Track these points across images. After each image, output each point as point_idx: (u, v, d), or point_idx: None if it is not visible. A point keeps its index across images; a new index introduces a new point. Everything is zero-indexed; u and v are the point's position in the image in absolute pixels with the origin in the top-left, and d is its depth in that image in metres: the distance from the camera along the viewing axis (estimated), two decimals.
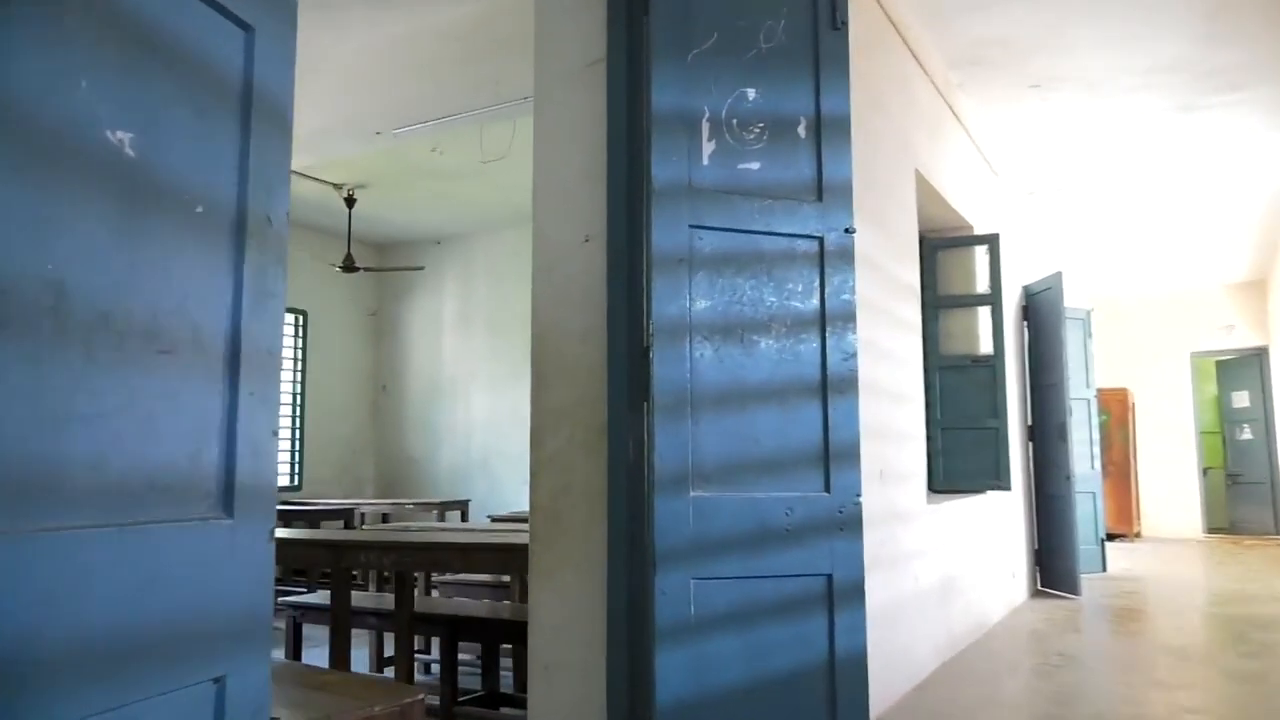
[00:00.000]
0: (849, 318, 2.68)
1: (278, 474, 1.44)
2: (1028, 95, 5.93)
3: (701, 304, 2.55)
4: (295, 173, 7.74)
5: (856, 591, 2.58)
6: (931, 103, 5.27)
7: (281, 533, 3.90)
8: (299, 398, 9.80)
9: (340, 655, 3.43)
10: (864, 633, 2.58)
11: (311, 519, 7.66)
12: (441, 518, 8.60)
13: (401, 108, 5.27)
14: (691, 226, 2.55)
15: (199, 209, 1.29)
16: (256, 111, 1.38)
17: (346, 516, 7.75)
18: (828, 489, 2.60)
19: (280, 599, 4.91)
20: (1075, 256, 9.83)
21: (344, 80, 5.48)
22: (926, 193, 5.16)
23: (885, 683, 3.58)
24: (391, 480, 10.48)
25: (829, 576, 2.57)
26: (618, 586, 2.54)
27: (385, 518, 9.11)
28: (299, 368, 9.85)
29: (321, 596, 4.38)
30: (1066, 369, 6.97)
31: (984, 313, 5.93)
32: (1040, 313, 7.32)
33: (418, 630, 3.98)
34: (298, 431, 9.76)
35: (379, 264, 10.37)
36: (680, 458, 2.47)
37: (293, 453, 9.73)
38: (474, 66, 4.78)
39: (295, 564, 3.59)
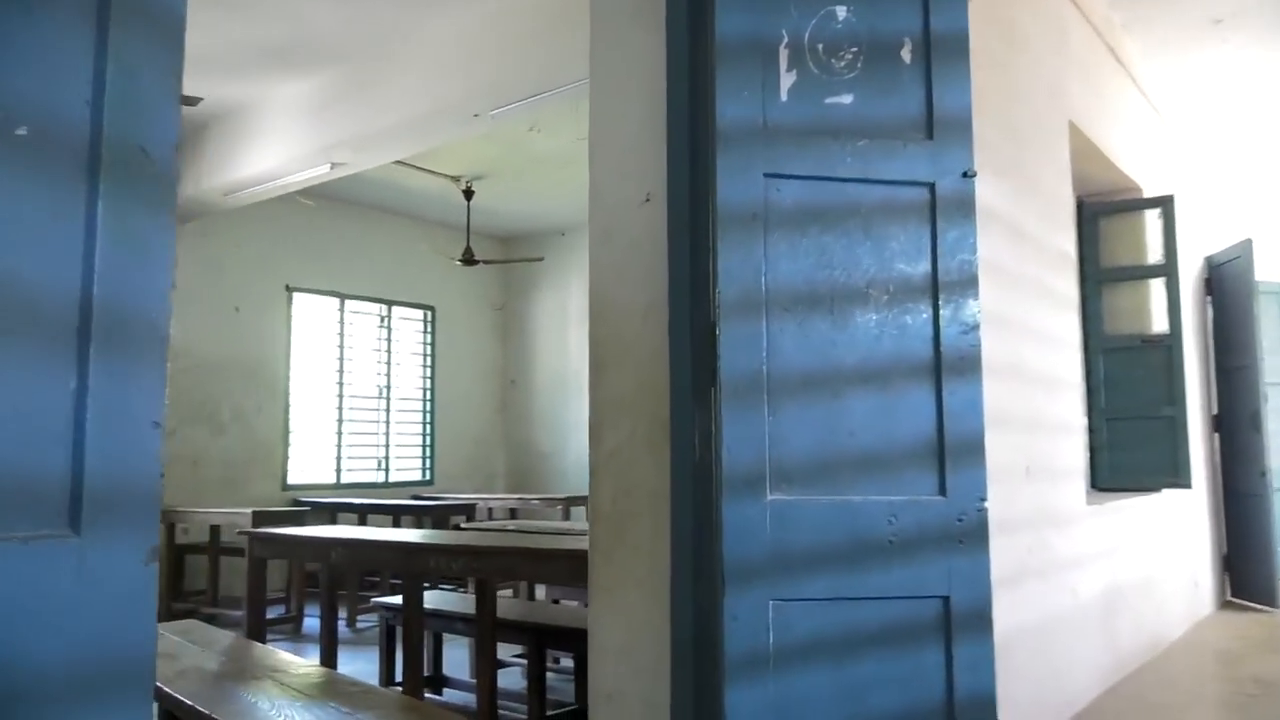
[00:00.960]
0: (968, 283, 2.18)
1: (160, 476, 1.13)
2: (1207, 34, 5.11)
3: (780, 269, 2.11)
4: (411, 166, 7.69)
5: (980, 618, 2.09)
6: (1088, 45, 4.58)
7: (351, 532, 3.70)
8: (429, 393, 9.84)
9: (413, 661, 3.18)
10: (991, 669, 2.08)
11: (438, 515, 7.60)
12: (566, 514, 8.39)
13: (496, 87, 5.02)
14: (767, 176, 2.12)
15: (20, 130, 0.99)
16: (120, 6, 1.07)
17: (469, 511, 7.64)
18: (943, 491, 2.11)
19: (374, 599, 4.76)
20: (1268, 222, 8.63)
21: (438, 63, 5.29)
22: (1083, 149, 4.48)
23: (1033, 714, 3.02)
24: (522, 475, 10.40)
25: (945, 599, 2.08)
26: (683, 608, 2.15)
27: (513, 513, 9.01)
28: (428, 364, 9.89)
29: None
30: (1260, 350, 6.03)
31: (1157, 286, 5.16)
32: (1227, 286, 6.38)
33: (505, 638, 3.70)
34: (428, 427, 9.80)
35: (503, 257, 10.28)
36: (754, 454, 2.05)
37: (424, 448, 9.78)
38: (563, 39, 4.47)
39: (368, 567, 3.38)
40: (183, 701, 2.39)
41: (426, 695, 4.07)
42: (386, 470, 9.41)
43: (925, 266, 2.17)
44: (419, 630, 3.21)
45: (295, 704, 2.34)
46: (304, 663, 2.90)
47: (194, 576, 7.54)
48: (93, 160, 1.05)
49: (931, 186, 2.18)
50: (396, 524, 8.17)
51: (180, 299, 7.72)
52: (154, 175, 1.11)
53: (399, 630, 4.24)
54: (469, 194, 8.39)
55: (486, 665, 3.43)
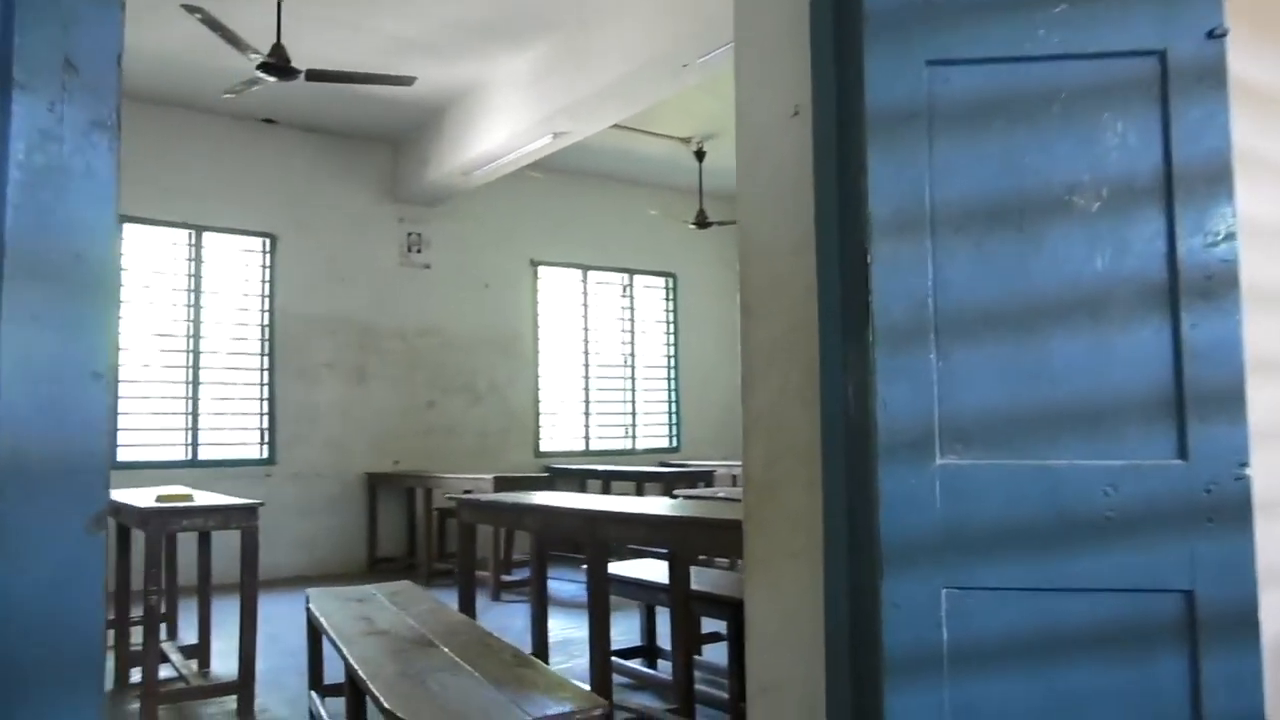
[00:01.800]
0: (1218, 177, 1.64)
1: (105, 433, 1.00)
2: None
3: (950, 179, 1.70)
4: (641, 131, 7.61)
5: (1242, 621, 1.57)
6: None
7: (543, 499, 3.63)
8: (673, 360, 9.81)
9: (600, 633, 3.05)
10: (1259, 688, 1.56)
11: (677, 481, 7.54)
12: None
13: (700, 34, 4.75)
14: (931, 63, 1.71)
15: None
16: None
17: (706, 478, 7.51)
18: (1183, 454, 1.61)
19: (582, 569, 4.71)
20: None
21: (641, 18, 5.10)
22: None
23: None
24: None
25: (1187, 594, 1.59)
26: (837, 591, 1.80)
27: None
28: (671, 331, 9.85)
29: (628, 567, 4.08)
30: None
31: None
32: None
33: (710, 612, 3.49)
34: (673, 393, 9.79)
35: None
36: (918, 409, 1.67)
37: (669, 414, 9.78)
38: None
39: (557, 534, 3.28)
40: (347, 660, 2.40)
41: (635, 666, 3.96)
42: (633, 437, 9.51)
43: (1154, 160, 1.66)
44: (603, 601, 3.07)
45: (436, 668, 2.27)
46: (470, 627, 2.85)
47: (454, 539, 8.02)
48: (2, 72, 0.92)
49: (1161, 54, 1.66)
50: (639, 491, 8.22)
51: (434, 279, 8.20)
52: (86, 88, 0.98)
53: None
54: (700, 155, 8.19)
55: (681, 639, 3.24)
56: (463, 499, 3.95)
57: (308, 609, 3.36)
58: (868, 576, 1.73)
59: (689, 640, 3.29)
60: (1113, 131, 1.67)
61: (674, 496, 5.10)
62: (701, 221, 8.07)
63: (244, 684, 3.64)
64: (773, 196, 2.03)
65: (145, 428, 6.98)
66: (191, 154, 7.23)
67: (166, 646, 4.31)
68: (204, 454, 7.16)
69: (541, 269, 8.99)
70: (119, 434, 6.85)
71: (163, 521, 3.52)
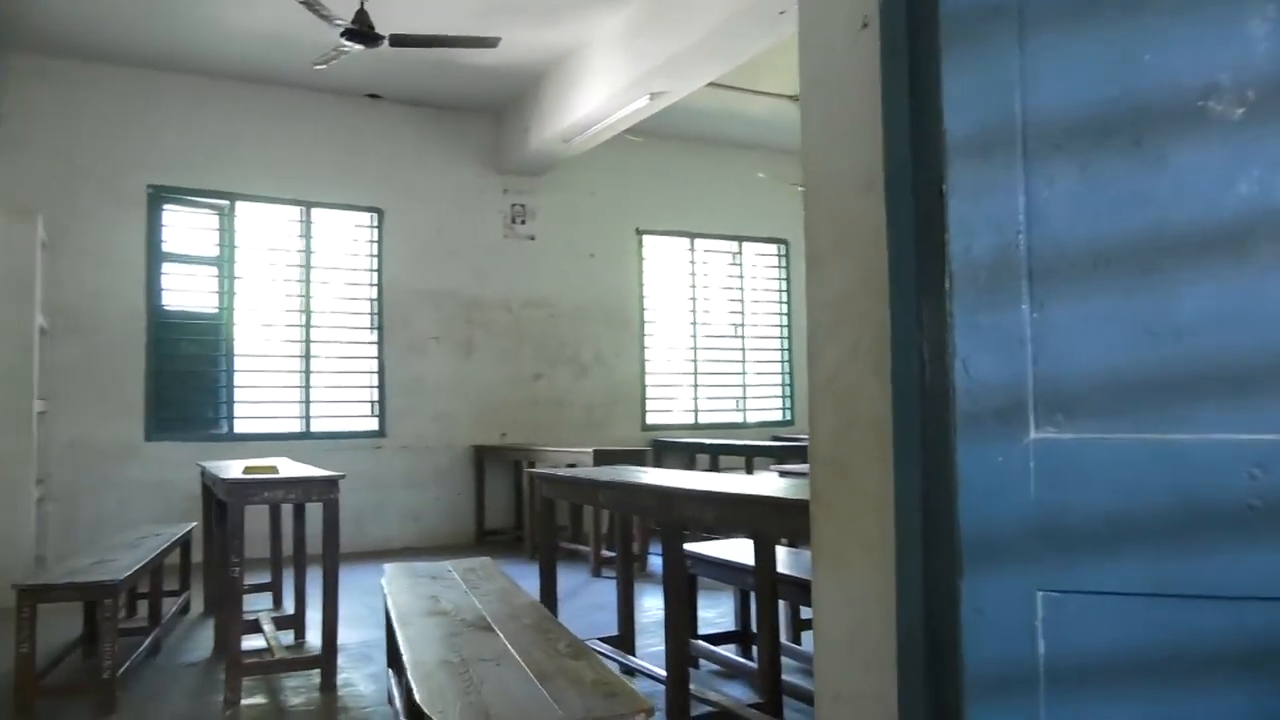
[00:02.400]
0: None
1: None
2: None
3: (1046, 86, 1.37)
4: (745, 90, 7.26)
5: None
6: None
7: (619, 475, 3.42)
8: (786, 330, 9.45)
9: (676, 619, 2.83)
10: None
11: (789, 456, 7.23)
12: None
13: None
14: None
15: None
16: None
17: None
18: None
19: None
20: None
21: None
22: None
23: None
24: None
25: None
26: (910, 590, 1.52)
27: None
28: (784, 300, 9.48)
29: (717, 548, 3.85)
30: None
31: None
32: None
33: (797, 598, 3.23)
34: (787, 365, 9.43)
35: None
36: (1008, 370, 1.36)
37: (783, 386, 9.43)
38: None
39: (633, 511, 3.06)
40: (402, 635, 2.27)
41: (724, 654, 3.73)
42: (744, 410, 9.22)
43: None
44: (678, 584, 2.84)
45: (483, 656, 2.09)
46: (534, 611, 2.68)
47: (560, 513, 7.95)
48: None
49: None
50: (749, 466, 7.95)
51: (538, 250, 8.10)
52: None
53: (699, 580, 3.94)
54: None
55: (767, 627, 2.99)
56: (538, 473, 3.79)
57: (381, 584, 3.27)
58: (945, 574, 1.44)
59: (775, 628, 3.03)
60: (1261, 17, 1.31)
61: (782, 474, 4.82)
62: None
63: (326, 658, 3.60)
64: (840, 126, 1.74)
65: (261, 400, 7.16)
66: (300, 132, 7.34)
67: (263, 617, 4.35)
68: (316, 426, 7.31)
69: (647, 238, 8.78)
70: (235, 406, 7.06)
71: (244, 494, 3.50)
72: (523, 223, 8.16)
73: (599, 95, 6.33)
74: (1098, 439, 1.34)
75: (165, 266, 6.90)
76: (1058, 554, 1.34)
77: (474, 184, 7.99)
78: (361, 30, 4.56)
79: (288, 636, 4.39)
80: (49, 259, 6.42)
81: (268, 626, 4.18)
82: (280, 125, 7.27)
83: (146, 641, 4.07)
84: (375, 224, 7.62)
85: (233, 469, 4.02)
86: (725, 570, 3.62)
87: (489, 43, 4.92)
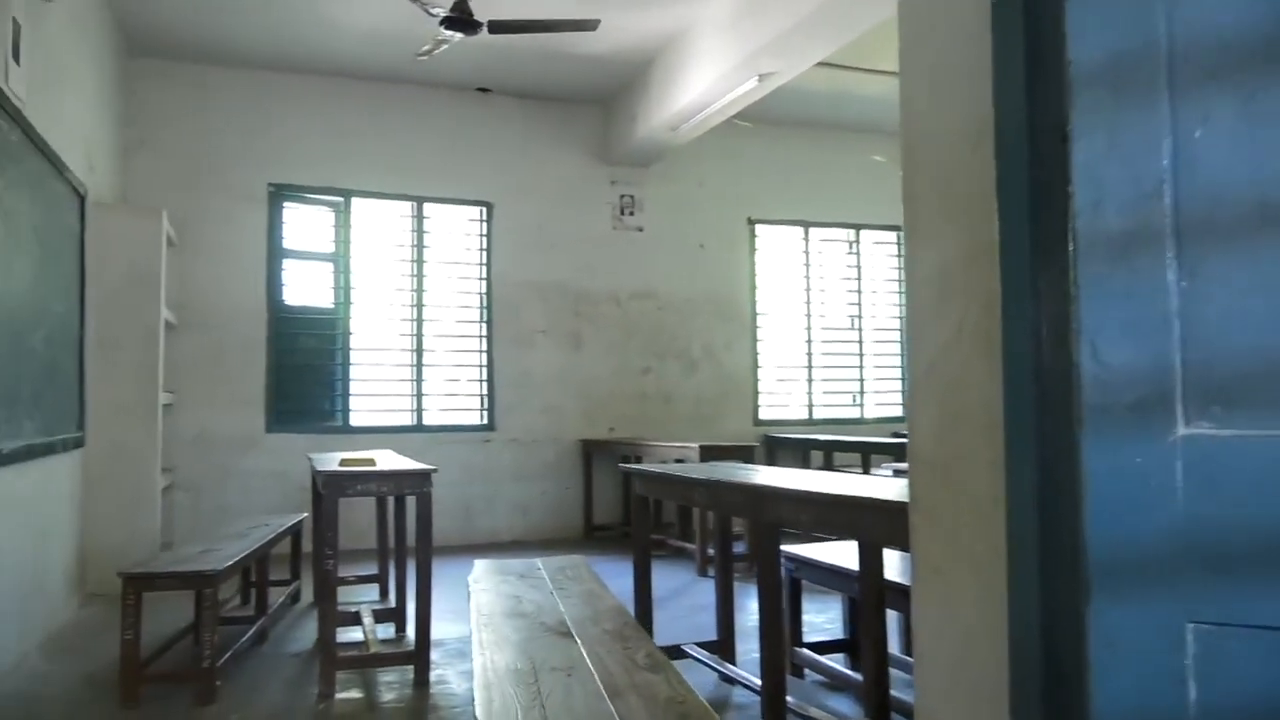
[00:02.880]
0: None
1: None
2: None
3: (1199, 1, 1.11)
4: (861, 70, 6.93)
5: None
6: None
7: (713, 472, 3.22)
8: (907, 321, 9.01)
9: (771, 627, 2.63)
10: None
11: (899, 453, 6.84)
12: None
13: None
14: None
15: None
16: None
17: None
18: None
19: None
20: None
21: None
22: None
23: None
24: None
25: None
26: (1025, 616, 1.27)
27: None
28: (904, 289, 9.04)
29: (822, 550, 3.61)
30: None
31: None
32: None
33: (898, 604, 2.96)
34: (908, 358, 8.99)
35: None
36: (1148, 351, 1.12)
37: (903, 380, 9.01)
38: None
39: (726, 511, 2.85)
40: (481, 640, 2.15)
41: (830, 664, 3.48)
42: (861, 405, 8.85)
43: None
44: (773, 588, 2.63)
45: (555, 665, 1.94)
46: (619, 616, 2.51)
47: (668, 509, 7.80)
48: None
49: None
50: (865, 464, 7.61)
51: (647, 241, 7.97)
52: None
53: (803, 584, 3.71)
54: None
55: (872, 638, 2.74)
56: (633, 469, 3.63)
57: (468, 582, 3.18)
58: (1069, 599, 1.20)
59: (882, 639, 2.78)
60: None
61: (897, 473, 4.52)
62: None
63: (419, 654, 3.55)
64: (944, 72, 1.50)
65: (375, 394, 7.28)
66: (412, 128, 7.42)
67: (364, 609, 4.35)
68: (428, 420, 7.38)
69: (759, 227, 8.52)
70: (350, 399, 7.20)
71: (338, 486, 3.48)
72: (631, 214, 8.04)
73: (705, 79, 6.13)
74: (1266, 437, 1.07)
75: (284, 263, 7.09)
76: (1214, 578, 1.08)
77: (582, 176, 7.92)
78: (461, 18, 4.51)
79: (388, 630, 4.39)
80: (176, 257, 6.69)
81: (367, 619, 4.18)
82: (393, 121, 7.37)
83: (251, 630, 4.12)
84: (484, 218, 7.64)
85: (332, 461, 4.02)
86: (831, 575, 3.38)
87: (588, 25, 4.80)
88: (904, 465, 5.06)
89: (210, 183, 6.88)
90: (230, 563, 3.54)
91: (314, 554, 5.08)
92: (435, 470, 3.67)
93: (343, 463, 3.85)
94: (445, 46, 4.96)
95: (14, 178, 3.80)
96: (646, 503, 3.57)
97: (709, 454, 5.91)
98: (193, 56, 6.77)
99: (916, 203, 1.56)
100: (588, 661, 2.05)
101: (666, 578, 5.77)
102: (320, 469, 3.63)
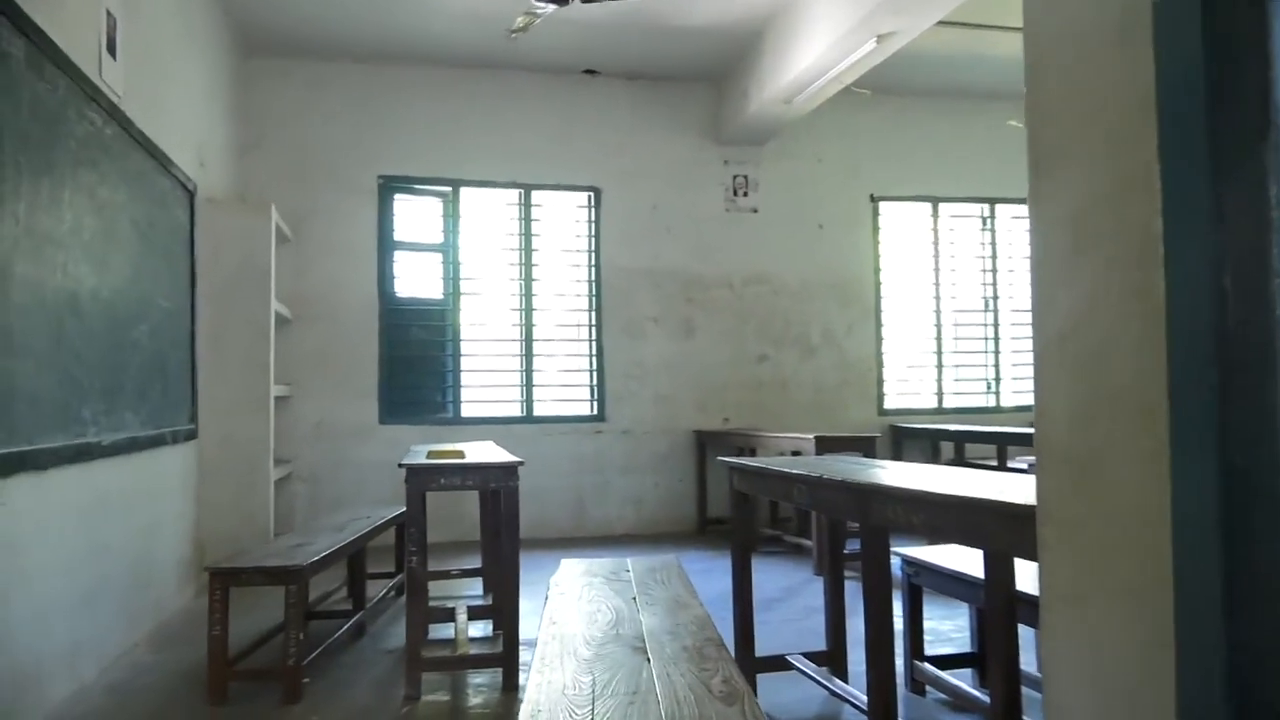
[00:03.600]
0: None
1: None
2: None
3: None
4: (986, 26, 6.36)
5: None
6: None
7: (811, 467, 2.87)
8: None
9: (879, 641, 2.29)
10: None
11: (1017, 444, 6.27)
12: None
13: None
14: None
15: None
16: None
17: None
18: None
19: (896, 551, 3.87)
20: None
21: None
22: None
23: None
24: None
25: None
26: (1203, 671, 0.92)
27: None
28: None
29: (947, 554, 3.22)
30: None
31: None
32: None
33: (1031, 619, 2.55)
34: None
35: None
36: None
37: None
38: None
39: (828, 510, 2.48)
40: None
41: (953, 681, 3.09)
42: (997, 393, 8.23)
43: None
44: (880, 600, 2.29)
45: (619, 689, 1.67)
46: (702, 630, 2.22)
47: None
48: None
49: None
50: (1001, 457, 7.04)
51: (762, 223, 7.61)
52: None
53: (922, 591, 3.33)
54: None
55: (1000, 657, 2.37)
56: (730, 461, 3.32)
57: (550, 584, 2.96)
58: (1273, 651, 0.84)
59: (1013, 657, 2.40)
60: None
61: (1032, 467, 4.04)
62: None
63: (507, 655, 3.36)
64: None
65: (485, 384, 7.21)
66: (518, 114, 7.30)
67: (460, 606, 4.21)
68: (538, 411, 7.26)
69: (883, 205, 8.02)
70: (461, 391, 7.15)
71: (421, 479, 3.33)
72: (745, 194, 7.70)
73: (820, 45, 5.73)
74: None
75: (395, 255, 7.09)
76: None
77: (693, 157, 7.62)
78: None
79: (486, 627, 4.23)
80: (291, 252, 6.78)
81: (461, 617, 4.03)
82: (499, 108, 7.26)
83: (346, 626, 4.04)
84: (593, 203, 7.45)
85: (423, 454, 3.89)
86: (954, 583, 3.00)
87: None
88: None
89: (323, 178, 6.94)
90: (318, 557, 3.45)
91: (397, 549, 5.00)
92: (521, 463, 3.47)
93: (431, 455, 3.70)
94: (538, 20, 4.76)
95: (109, 172, 3.82)
96: (746, 499, 3.27)
97: (825, 445, 5.53)
98: (303, 53, 6.84)
99: (1043, 126, 1.21)
100: (656, 685, 1.78)
101: (780, 576, 5.44)
102: (406, 461, 3.49)
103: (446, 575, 5.10)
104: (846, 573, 4.39)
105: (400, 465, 3.39)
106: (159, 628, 4.33)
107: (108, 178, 3.81)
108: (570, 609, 2.49)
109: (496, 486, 3.42)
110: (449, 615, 4.10)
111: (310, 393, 6.78)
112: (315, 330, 6.83)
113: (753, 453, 6.51)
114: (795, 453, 6.85)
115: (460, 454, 3.68)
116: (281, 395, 6.48)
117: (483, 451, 4.06)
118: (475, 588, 5.12)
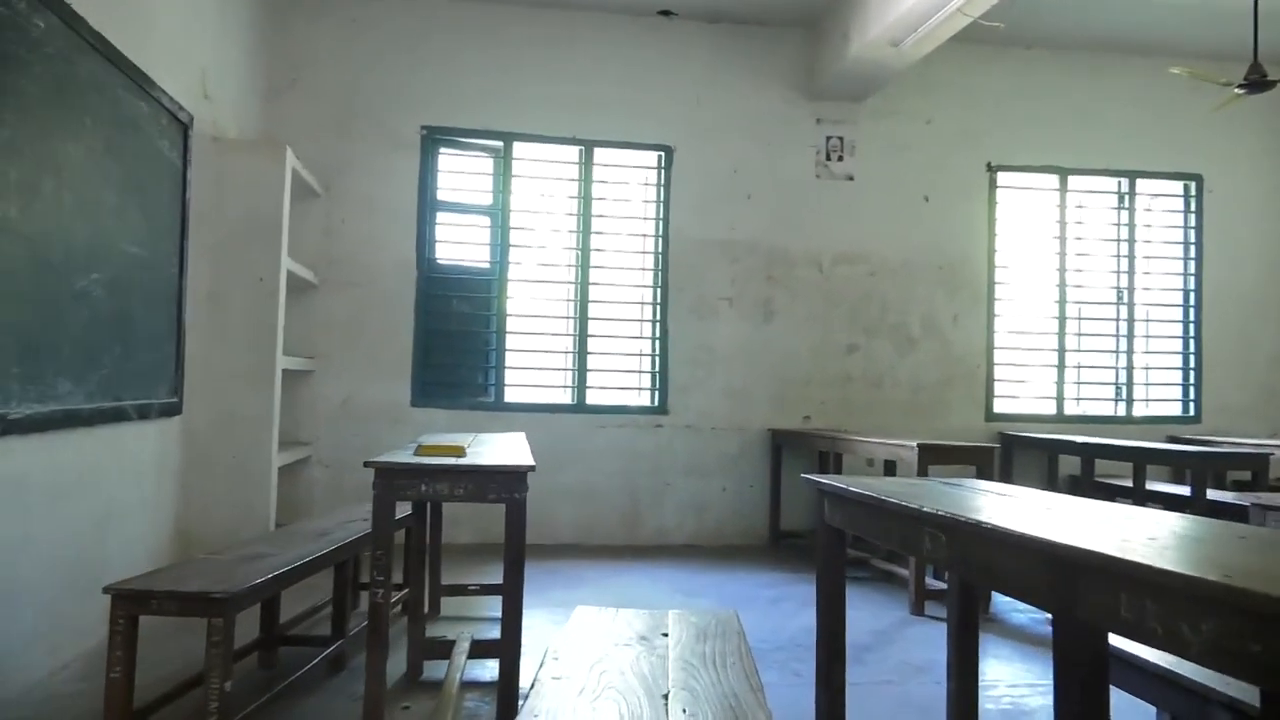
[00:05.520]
0: None
1: None
2: None
3: None
4: None
5: None
6: None
7: (946, 498, 1.87)
8: (1194, 295, 7.06)
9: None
10: None
11: (1206, 466, 5.14)
12: None
13: None
14: None
15: None
16: None
17: (1257, 465, 4.99)
18: None
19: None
20: None
21: None
22: None
23: None
24: None
25: None
26: None
27: None
28: (1192, 254, 7.09)
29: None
30: None
31: None
32: None
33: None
34: (1193, 343, 7.05)
35: None
36: None
37: (1185, 370, 7.08)
38: None
39: (995, 581, 1.56)
40: None
41: None
42: (1128, 400, 7.01)
43: None
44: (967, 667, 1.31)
45: None
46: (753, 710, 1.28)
47: None
48: None
49: None
50: (1139, 477, 5.88)
51: (858, 192, 6.47)
52: None
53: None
54: None
55: None
56: (818, 481, 2.35)
57: (545, 652, 2.05)
58: None
59: None
60: None
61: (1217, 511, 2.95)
62: (1258, 80, 5.38)
63: (503, 714, 2.47)
64: None
65: (533, 366, 6.35)
66: (582, 60, 6.40)
67: (462, 635, 3.34)
68: (591, 399, 6.37)
69: (1002, 175, 6.88)
70: (506, 373, 6.30)
71: (391, 485, 2.45)
72: (840, 159, 6.65)
73: None
74: None
75: (438, 216, 6.27)
76: None
77: (780, 114, 6.61)
78: None
79: (491, 669, 3.35)
80: (322, 207, 6.02)
81: (460, 653, 3.15)
82: (560, 54, 6.38)
83: (318, 659, 3.21)
84: (663, 164, 6.51)
85: (422, 445, 3.01)
86: (1151, 682, 1.98)
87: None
88: (1261, 499, 3.03)
89: (360, 127, 6.15)
90: (256, 582, 2.59)
91: (406, 552, 4.15)
92: (532, 468, 2.56)
93: (421, 450, 2.83)
94: None
95: (51, 82, 3.03)
96: (840, 537, 2.29)
97: (932, 456, 4.50)
98: None
99: None
100: None
101: (867, 614, 4.43)
102: (383, 458, 2.62)
103: (463, 591, 4.24)
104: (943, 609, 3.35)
105: (367, 464, 2.52)
106: (103, 644, 3.56)
107: (49, 89, 3.03)
108: (573, 677, 1.58)
109: (497, 498, 2.52)
110: (446, 650, 3.24)
111: (336, 368, 6.02)
112: (344, 298, 6.06)
113: (838, 460, 5.49)
114: (889, 463, 5.81)
115: (458, 450, 2.80)
116: (301, 369, 5.73)
117: (498, 449, 3.17)
118: (497, 607, 4.26)
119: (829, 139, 6.66)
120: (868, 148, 6.68)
